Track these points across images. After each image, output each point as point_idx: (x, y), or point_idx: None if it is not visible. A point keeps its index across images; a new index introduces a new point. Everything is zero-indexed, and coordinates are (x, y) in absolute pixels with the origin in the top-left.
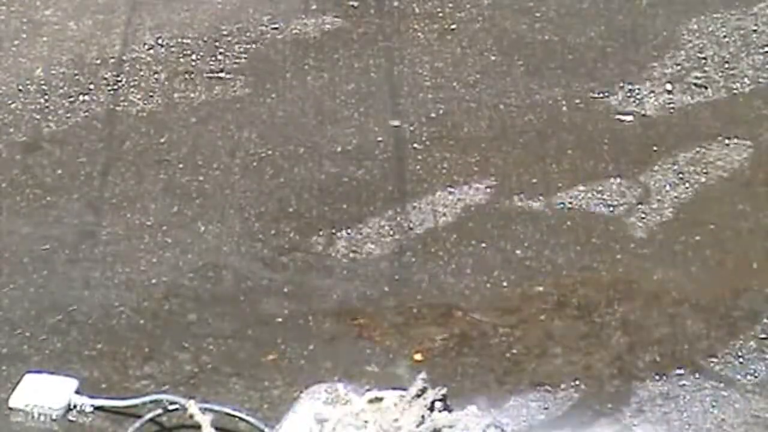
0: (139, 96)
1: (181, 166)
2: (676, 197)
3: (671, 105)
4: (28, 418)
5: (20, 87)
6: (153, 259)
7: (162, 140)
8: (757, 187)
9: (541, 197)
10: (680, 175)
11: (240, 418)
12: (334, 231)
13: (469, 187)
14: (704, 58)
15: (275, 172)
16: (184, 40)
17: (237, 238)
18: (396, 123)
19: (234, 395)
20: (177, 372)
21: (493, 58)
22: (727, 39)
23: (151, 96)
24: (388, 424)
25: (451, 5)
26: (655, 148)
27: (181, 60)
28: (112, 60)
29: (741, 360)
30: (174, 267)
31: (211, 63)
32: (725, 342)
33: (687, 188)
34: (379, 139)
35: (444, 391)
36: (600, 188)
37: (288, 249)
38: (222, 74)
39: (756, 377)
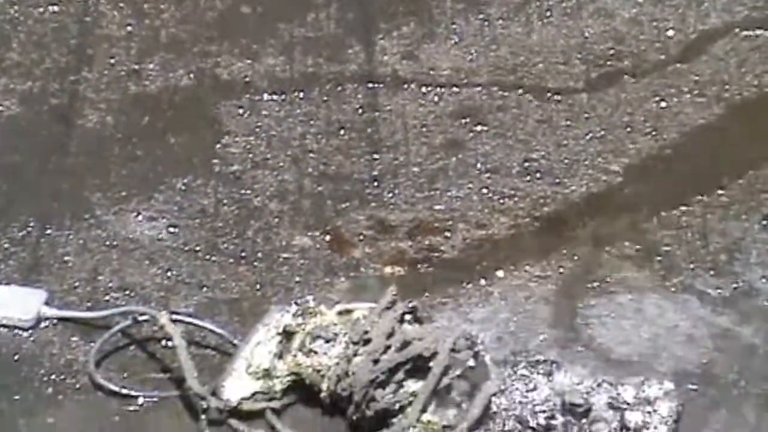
0: (109, 6)
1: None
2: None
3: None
4: None
5: None
6: (122, 171)
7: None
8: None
9: (514, 110)
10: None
11: (210, 330)
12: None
13: (440, 99)
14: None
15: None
16: None
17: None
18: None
19: (204, 308)
20: (147, 284)
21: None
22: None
23: (121, 7)
24: (357, 336)
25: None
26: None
27: None
28: None
29: (711, 273)
30: (143, 175)
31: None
32: (695, 255)
33: (658, 103)
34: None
35: (414, 303)
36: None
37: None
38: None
39: (726, 291)
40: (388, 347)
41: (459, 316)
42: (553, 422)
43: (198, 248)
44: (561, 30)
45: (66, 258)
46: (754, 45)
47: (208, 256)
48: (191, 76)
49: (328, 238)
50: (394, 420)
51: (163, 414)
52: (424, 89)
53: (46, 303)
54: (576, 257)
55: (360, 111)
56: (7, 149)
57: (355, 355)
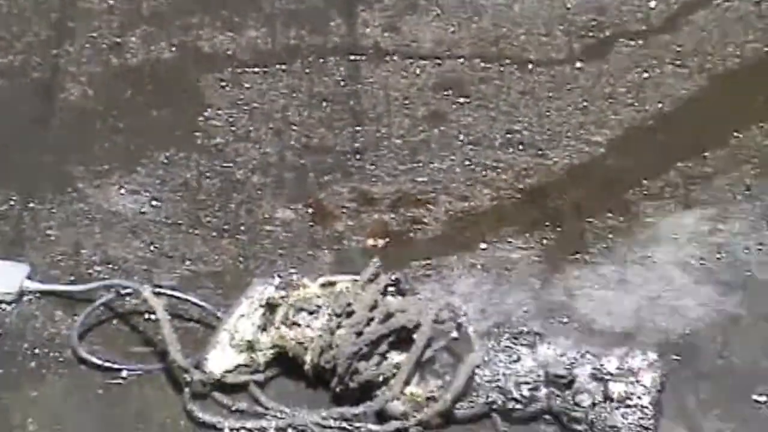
0: None
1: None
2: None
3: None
4: None
5: None
6: (105, 145)
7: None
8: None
9: (496, 82)
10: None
11: (193, 303)
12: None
13: (422, 71)
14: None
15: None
16: None
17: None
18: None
19: (187, 281)
20: (130, 257)
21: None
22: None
23: None
24: (340, 308)
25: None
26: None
27: None
28: None
29: (694, 244)
30: (125, 148)
31: None
32: (678, 226)
33: (640, 74)
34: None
35: (397, 275)
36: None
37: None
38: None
39: (709, 262)
40: (372, 319)
41: (442, 287)
42: (537, 394)
43: (181, 221)
44: (543, 1)
45: (49, 231)
46: (736, 15)
47: (190, 230)
48: (173, 49)
49: (310, 210)
50: (378, 392)
51: (146, 387)
52: (406, 61)
53: (29, 277)
54: (559, 228)
55: (342, 83)
56: None
57: (338, 327)
